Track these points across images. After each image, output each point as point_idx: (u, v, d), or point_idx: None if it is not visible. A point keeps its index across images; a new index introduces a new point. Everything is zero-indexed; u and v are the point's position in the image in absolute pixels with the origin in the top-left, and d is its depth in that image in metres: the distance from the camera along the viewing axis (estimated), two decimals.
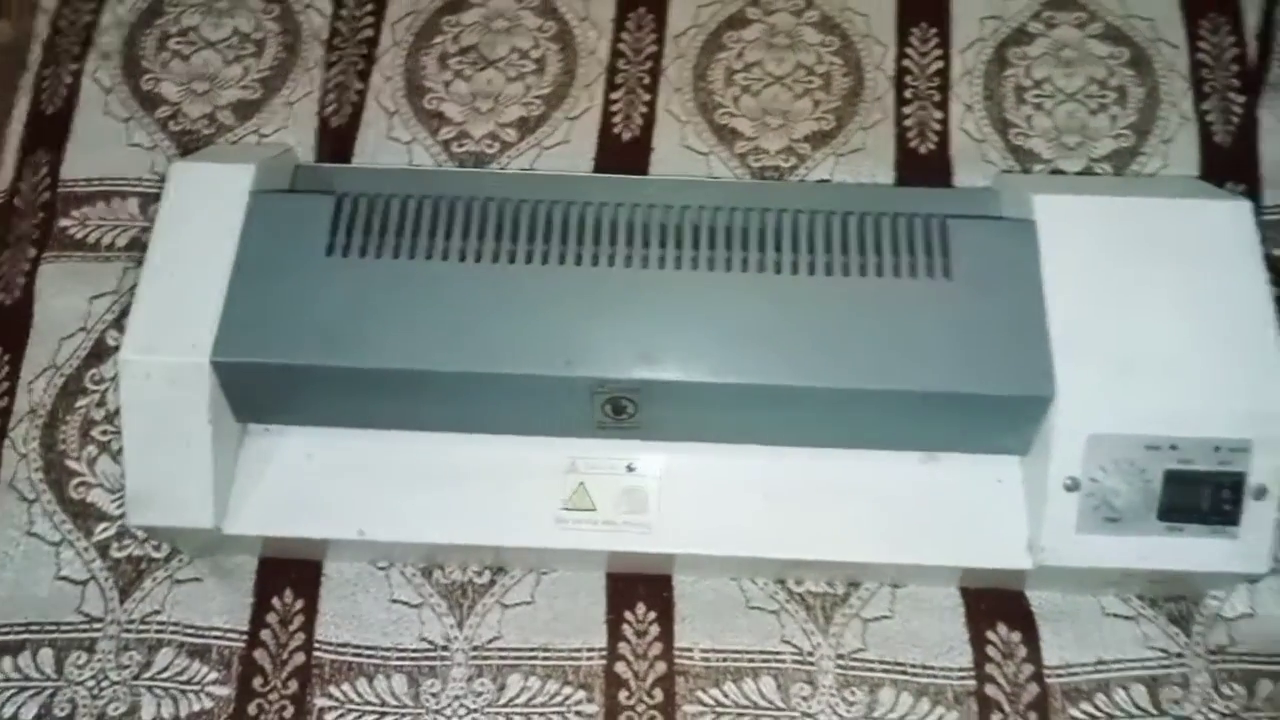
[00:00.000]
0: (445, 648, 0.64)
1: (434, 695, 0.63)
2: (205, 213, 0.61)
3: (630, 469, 0.62)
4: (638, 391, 0.58)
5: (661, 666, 0.63)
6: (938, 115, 0.77)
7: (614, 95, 0.78)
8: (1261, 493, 0.57)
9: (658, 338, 0.58)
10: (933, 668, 0.63)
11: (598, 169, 0.76)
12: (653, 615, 0.65)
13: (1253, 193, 0.73)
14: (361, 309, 0.59)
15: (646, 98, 0.78)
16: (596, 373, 0.57)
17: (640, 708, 0.62)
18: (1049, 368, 0.57)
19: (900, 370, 0.58)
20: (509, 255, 0.60)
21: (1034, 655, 0.63)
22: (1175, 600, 0.65)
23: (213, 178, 0.62)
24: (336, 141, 0.76)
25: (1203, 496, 0.57)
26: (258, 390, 0.60)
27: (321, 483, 0.62)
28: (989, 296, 0.59)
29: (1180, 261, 0.60)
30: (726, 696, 0.63)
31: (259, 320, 0.58)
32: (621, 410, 0.60)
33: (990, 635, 0.64)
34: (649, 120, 0.78)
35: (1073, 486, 0.58)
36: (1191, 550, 0.58)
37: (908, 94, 0.78)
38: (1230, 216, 0.61)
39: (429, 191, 0.63)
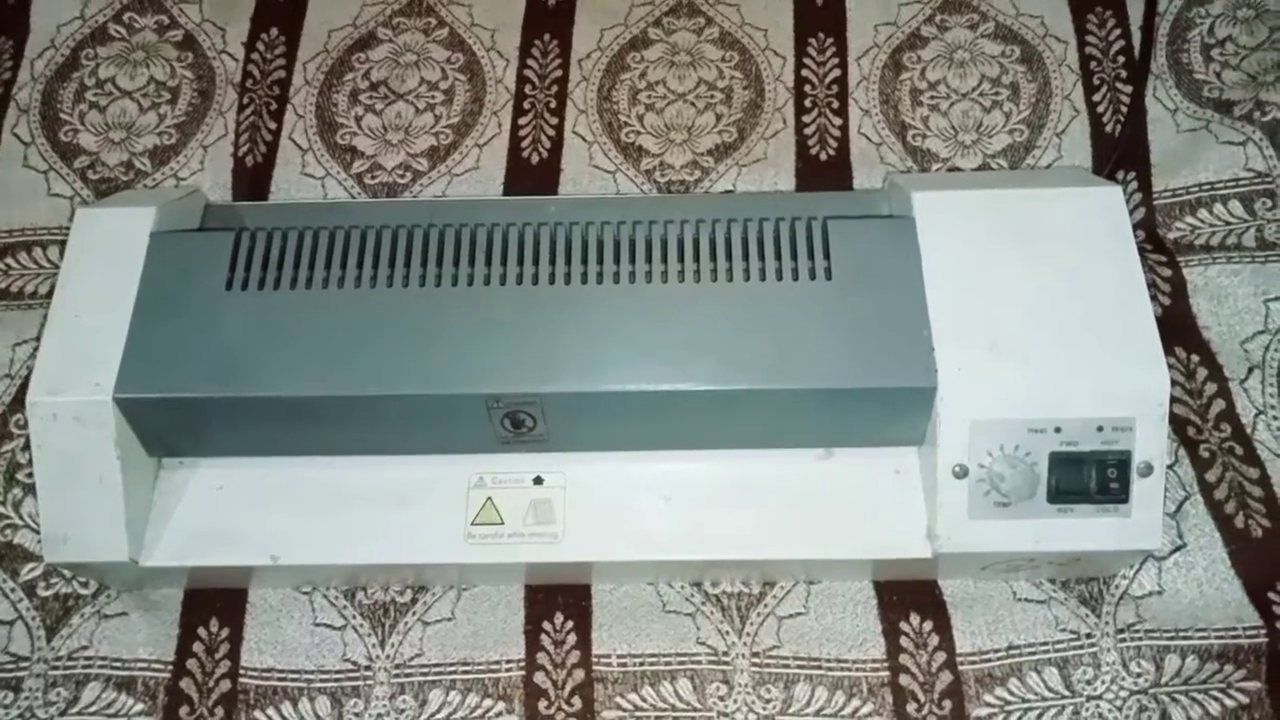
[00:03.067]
0: (368, 667, 0.65)
1: (357, 715, 0.64)
2: (107, 256, 0.62)
3: (538, 481, 0.64)
4: (533, 404, 0.60)
5: (580, 674, 0.64)
6: (837, 122, 0.79)
7: (522, 120, 0.80)
8: (1147, 470, 0.58)
9: (552, 351, 0.59)
10: (846, 661, 0.64)
11: (508, 192, 0.78)
12: (570, 624, 0.66)
13: (1143, 178, 0.74)
14: (261, 340, 0.60)
15: (554, 121, 0.80)
16: (489, 388, 0.59)
17: (560, 716, 0.63)
18: (930, 358, 0.58)
19: (788, 369, 0.59)
20: (404, 280, 0.62)
21: (946, 643, 0.64)
22: (1085, 582, 0.66)
23: (114, 222, 0.64)
24: (252, 181, 0.78)
25: (1090, 477, 0.58)
26: (164, 424, 0.61)
27: (234, 511, 0.63)
28: (871, 292, 0.60)
29: (1056, 249, 0.61)
30: (644, 700, 0.64)
31: (160, 356, 0.60)
32: (521, 424, 0.61)
33: (903, 626, 0.65)
34: (557, 142, 0.79)
35: (961, 473, 0.59)
36: (1084, 530, 0.59)
37: (807, 103, 0.80)
38: (1103, 203, 0.62)
39: (337, 223, 0.64)
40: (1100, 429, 0.58)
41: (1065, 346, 0.59)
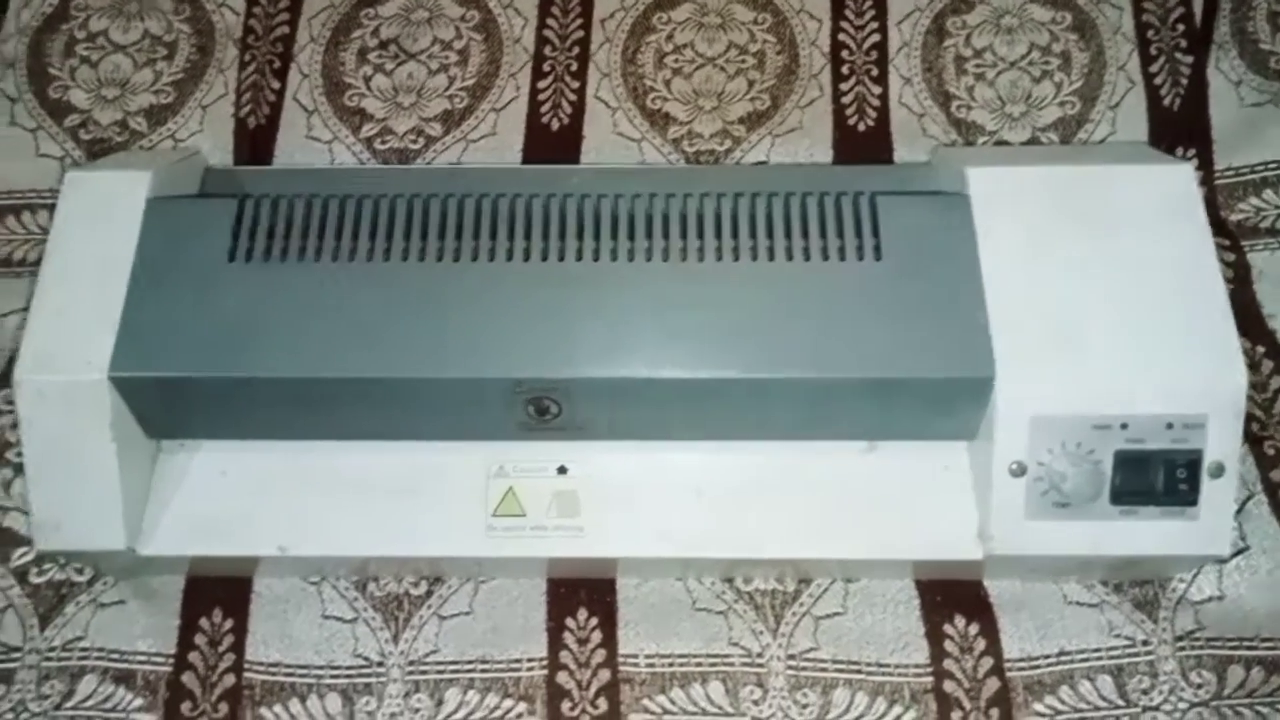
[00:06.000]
0: (380, 664, 0.61)
1: (369, 713, 0.60)
2: (100, 223, 0.58)
3: (562, 471, 0.60)
4: (558, 390, 0.56)
5: (605, 674, 0.61)
6: (876, 90, 0.74)
7: (541, 84, 0.76)
8: (1219, 470, 0.55)
9: (578, 333, 0.56)
10: (888, 665, 0.61)
11: (526, 160, 0.73)
12: (595, 621, 0.62)
13: (1204, 156, 0.70)
14: (266, 316, 0.56)
15: (575, 85, 0.76)
16: (513, 373, 0.55)
17: (584, 718, 0.60)
18: (987, 347, 0.54)
19: (832, 357, 0.55)
20: (420, 253, 0.58)
21: (993, 648, 0.61)
22: (1141, 585, 0.62)
23: (107, 186, 0.59)
24: (255, 143, 0.74)
25: (1157, 477, 0.55)
26: (162, 405, 0.57)
27: (240, 499, 0.59)
28: (924, 275, 0.56)
29: (1123, 231, 0.57)
30: (673, 703, 0.60)
31: (158, 333, 0.55)
32: (545, 410, 0.57)
33: (947, 629, 0.61)
34: (578, 108, 0.75)
35: (1019, 471, 0.55)
36: (1148, 534, 0.55)
37: (844, 69, 0.75)
38: (1173, 181, 0.58)
39: (346, 191, 0.60)
40: (1170, 426, 0.54)
41: (1133, 337, 0.55)
